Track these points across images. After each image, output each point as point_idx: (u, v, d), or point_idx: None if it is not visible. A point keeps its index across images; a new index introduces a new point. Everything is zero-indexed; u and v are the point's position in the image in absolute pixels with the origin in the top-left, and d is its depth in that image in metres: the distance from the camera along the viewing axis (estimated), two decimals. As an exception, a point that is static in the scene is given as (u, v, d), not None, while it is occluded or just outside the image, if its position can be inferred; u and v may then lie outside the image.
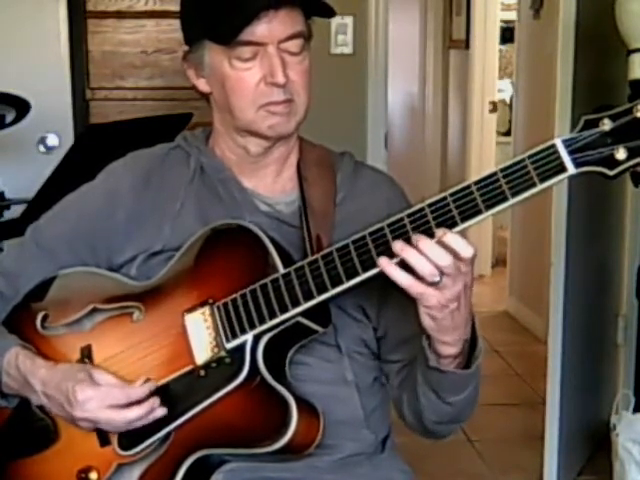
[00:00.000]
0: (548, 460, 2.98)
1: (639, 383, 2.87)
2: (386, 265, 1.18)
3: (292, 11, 1.35)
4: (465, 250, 1.16)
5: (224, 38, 1.34)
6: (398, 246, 1.17)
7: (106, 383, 1.33)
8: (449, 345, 1.25)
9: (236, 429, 1.30)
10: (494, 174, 1.15)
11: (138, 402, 1.31)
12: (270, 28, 1.34)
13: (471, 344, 1.30)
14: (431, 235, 1.17)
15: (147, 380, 1.33)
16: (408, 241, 1.17)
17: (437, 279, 1.17)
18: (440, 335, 1.24)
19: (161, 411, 1.31)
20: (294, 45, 1.37)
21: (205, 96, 1.46)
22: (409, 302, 1.21)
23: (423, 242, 1.16)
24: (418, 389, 1.36)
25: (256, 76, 1.36)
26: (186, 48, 1.43)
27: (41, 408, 1.39)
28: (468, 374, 1.30)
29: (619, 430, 2.55)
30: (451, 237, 1.16)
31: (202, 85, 1.44)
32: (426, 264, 1.16)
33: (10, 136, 2.80)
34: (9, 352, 1.39)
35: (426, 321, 1.22)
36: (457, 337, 1.25)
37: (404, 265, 1.17)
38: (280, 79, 1.35)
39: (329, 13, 1.39)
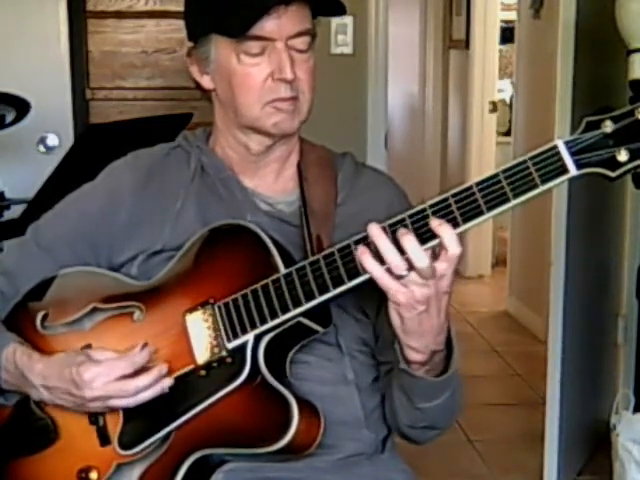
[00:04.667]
0: (548, 460, 2.98)
1: (639, 383, 2.88)
2: (361, 253, 1.18)
3: (301, 8, 1.36)
4: (454, 248, 1.16)
5: (234, 31, 1.34)
6: (375, 231, 1.17)
7: (107, 358, 1.33)
8: (415, 351, 1.25)
9: (237, 429, 1.30)
10: (496, 175, 1.15)
11: (144, 370, 1.31)
12: (279, 24, 1.34)
13: (449, 355, 1.30)
14: (432, 236, 1.17)
15: (145, 345, 1.33)
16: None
17: (404, 273, 1.17)
18: (406, 338, 1.24)
19: (168, 380, 1.31)
20: (302, 42, 1.37)
21: (207, 94, 1.46)
22: None
23: (406, 237, 1.16)
24: (393, 390, 1.37)
25: (264, 72, 1.36)
26: (190, 44, 1.43)
27: (41, 407, 1.39)
28: (439, 382, 1.30)
29: (619, 430, 2.55)
30: (445, 229, 1.16)
31: (206, 82, 1.44)
32: (395, 255, 1.16)
33: (10, 136, 2.80)
34: (7, 348, 1.39)
35: (394, 319, 1.22)
36: (424, 344, 1.24)
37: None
38: (289, 75, 1.35)
39: (339, 11, 1.39)
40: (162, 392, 1.31)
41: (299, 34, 1.36)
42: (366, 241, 1.20)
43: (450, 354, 1.30)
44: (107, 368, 1.31)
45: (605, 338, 3.27)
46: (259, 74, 1.36)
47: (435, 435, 1.42)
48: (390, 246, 1.16)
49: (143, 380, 1.30)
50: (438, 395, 1.32)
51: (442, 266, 1.18)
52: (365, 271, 1.19)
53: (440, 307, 1.21)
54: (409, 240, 1.16)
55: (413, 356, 1.26)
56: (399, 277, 1.17)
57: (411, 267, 1.16)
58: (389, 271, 1.17)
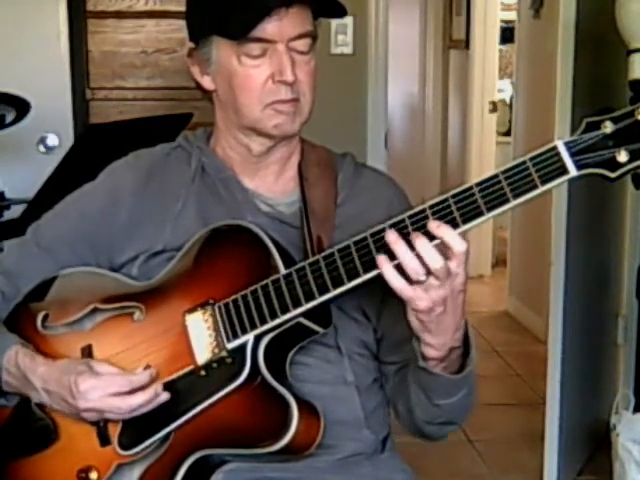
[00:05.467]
0: (548, 460, 2.98)
1: (639, 383, 2.87)
2: (383, 263, 1.18)
3: (303, 10, 1.36)
4: (459, 244, 1.17)
5: (235, 34, 1.34)
6: (392, 237, 1.18)
7: (107, 372, 1.33)
8: (433, 348, 1.26)
9: (237, 429, 1.30)
10: (496, 176, 1.16)
11: (141, 389, 1.31)
12: (280, 26, 1.34)
13: (466, 351, 1.31)
14: (432, 237, 1.17)
15: (147, 367, 1.34)
16: (409, 241, 1.18)
17: (422, 278, 1.17)
18: (425, 336, 1.25)
19: (165, 396, 1.31)
20: (303, 44, 1.37)
21: (208, 94, 1.46)
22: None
23: (419, 240, 1.17)
24: (410, 388, 1.37)
25: (264, 74, 1.36)
26: (191, 45, 1.43)
27: (41, 407, 1.39)
28: (456, 379, 1.30)
29: (619, 430, 2.55)
30: (445, 229, 1.16)
31: (207, 83, 1.44)
32: (413, 260, 1.17)
33: (10, 136, 2.80)
34: (9, 350, 1.39)
35: (413, 323, 1.23)
36: (442, 341, 1.25)
37: (401, 269, 1.18)
38: (289, 77, 1.35)
39: (340, 12, 1.39)
40: (156, 406, 1.31)
41: (300, 36, 1.36)
42: (365, 242, 1.21)
43: (467, 351, 1.31)
44: (105, 382, 1.31)
45: (605, 338, 3.27)
46: (260, 76, 1.36)
47: (451, 430, 1.43)
48: (408, 252, 1.17)
49: (138, 399, 1.30)
50: (456, 392, 1.33)
51: (453, 265, 1.18)
52: (371, 268, 1.20)
53: (457, 305, 1.22)
54: (422, 243, 1.17)
55: (431, 353, 1.26)
56: (417, 282, 1.17)
57: (428, 271, 1.17)
58: (403, 273, 1.17)
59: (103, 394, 1.30)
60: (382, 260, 1.19)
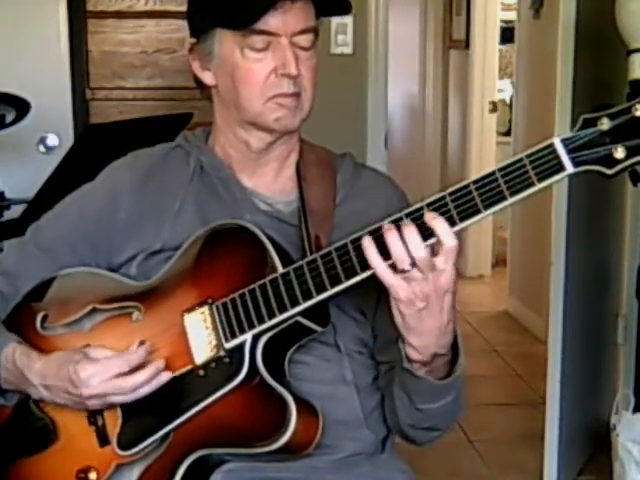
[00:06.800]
0: (548, 460, 2.98)
1: (639, 383, 2.87)
2: (368, 245, 1.19)
3: (307, 5, 1.37)
4: (449, 240, 1.17)
5: (240, 24, 1.35)
6: (386, 226, 1.18)
7: (103, 356, 1.33)
8: (415, 350, 1.25)
9: (235, 429, 1.30)
10: (492, 173, 1.15)
11: (141, 367, 1.31)
12: (285, 20, 1.35)
13: (455, 359, 1.30)
14: (430, 234, 1.17)
15: (142, 342, 1.34)
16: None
17: (407, 268, 1.17)
18: (407, 335, 1.24)
19: (166, 376, 1.31)
20: (305, 40, 1.38)
21: (207, 91, 1.46)
22: None
23: (407, 228, 1.17)
24: (394, 389, 1.37)
25: (267, 67, 1.37)
26: (192, 41, 1.44)
27: (40, 407, 1.39)
28: (441, 385, 1.30)
29: (619, 430, 2.55)
30: (439, 222, 1.16)
31: (208, 78, 1.44)
32: (401, 248, 1.17)
33: (10, 136, 2.80)
34: (6, 348, 1.40)
35: (395, 316, 1.23)
36: (424, 343, 1.24)
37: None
38: (293, 70, 1.35)
39: (344, 9, 1.40)
40: (159, 386, 1.31)
41: (303, 31, 1.37)
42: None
43: (456, 358, 1.30)
44: (104, 366, 1.31)
45: (605, 338, 3.27)
46: (262, 70, 1.37)
47: (436, 436, 1.42)
48: (398, 240, 1.17)
49: (140, 377, 1.30)
50: (439, 398, 1.32)
51: (440, 260, 1.18)
52: (368, 267, 1.20)
53: (442, 306, 1.21)
54: (410, 231, 1.17)
55: (413, 355, 1.26)
56: (402, 272, 1.17)
57: (414, 262, 1.17)
58: (392, 266, 1.17)
59: (104, 378, 1.30)
60: (367, 242, 1.19)
